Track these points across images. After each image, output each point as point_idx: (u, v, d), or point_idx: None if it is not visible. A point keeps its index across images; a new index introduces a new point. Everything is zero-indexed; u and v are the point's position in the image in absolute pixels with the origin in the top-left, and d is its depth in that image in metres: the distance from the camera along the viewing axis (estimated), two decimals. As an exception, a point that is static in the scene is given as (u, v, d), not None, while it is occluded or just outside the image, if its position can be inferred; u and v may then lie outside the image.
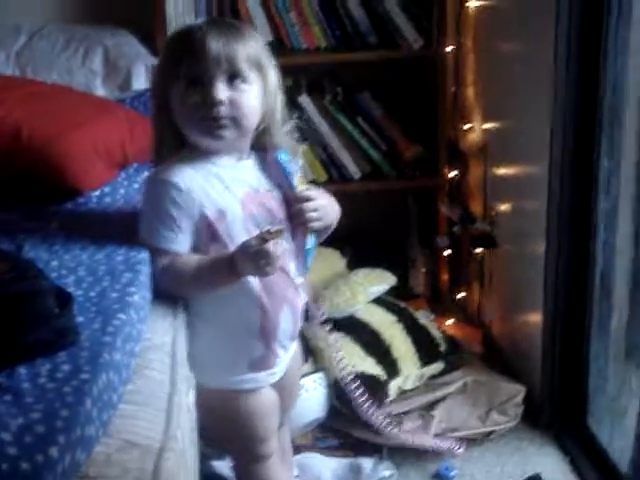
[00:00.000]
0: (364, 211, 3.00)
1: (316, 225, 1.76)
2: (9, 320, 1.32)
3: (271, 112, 1.75)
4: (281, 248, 1.61)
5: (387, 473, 2.25)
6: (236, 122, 1.70)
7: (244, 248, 1.63)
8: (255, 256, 1.60)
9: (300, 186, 1.78)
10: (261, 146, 1.78)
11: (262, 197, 1.76)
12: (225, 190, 1.73)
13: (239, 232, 1.70)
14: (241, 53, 1.69)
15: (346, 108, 2.96)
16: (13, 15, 2.82)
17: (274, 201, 1.76)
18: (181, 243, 1.70)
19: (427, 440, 2.33)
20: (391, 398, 2.41)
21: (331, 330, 2.02)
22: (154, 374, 1.49)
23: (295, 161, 1.81)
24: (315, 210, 1.75)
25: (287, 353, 1.84)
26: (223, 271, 1.67)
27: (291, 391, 1.94)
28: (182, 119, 1.71)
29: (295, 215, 1.76)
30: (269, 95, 1.74)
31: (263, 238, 1.60)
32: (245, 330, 1.77)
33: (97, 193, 2.06)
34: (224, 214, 1.71)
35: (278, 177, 1.78)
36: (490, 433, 2.41)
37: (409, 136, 3.00)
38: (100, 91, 2.54)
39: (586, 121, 2.19)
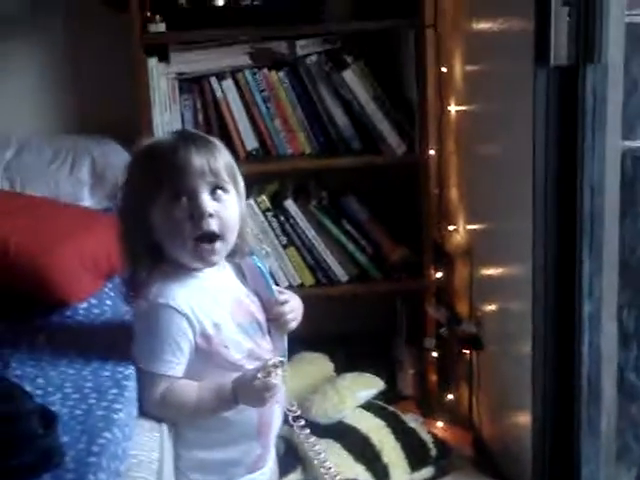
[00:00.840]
0: (351, 314, 3.02)
1: (293, 325, 1.84)
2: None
3: (243, 217, 1.80)
4: (280, 377, 1.65)
5: None
6: (224, 239, 1.73)
7: (247, 381, 1.66)
8: (261, 390, 1.64)
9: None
10: (232, 252, 1.81)
11: (245, 304, 1.80)
12: (214, 303, 1.75)
13: (232, 343, 1.73)
14: (221, 165, 1.73)
15: (331, 212, 3.00)
16: (1, 125, 2.86)
17: (254, 305, 1.81)
18: (181, 367, 1.71)
19: None
20: (382, 506, 2.38)
21: (309, 434, 2.00)
22: (140, 493, 1.48)
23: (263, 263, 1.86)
24: (291, 312, 1.83)
25: (271, 459, 1.87)
26: (224, 400, 1.69)
27: None
28: (167, 236, 1.72)
29: (275, 317, 1.82)
30: (241, 200, 1.79)
31: (268, 371, 1.63)
32: (243, 434, 1.78)
33: (84, 305, 2.08)
34: (219, 328, 1.73)
35: (256, 282, 1.83)
36: (482, 539, 2.38)
37: (395, 238, 3.03)
38: (88, 201, 2.58)
39: (567, 224, 2.21)
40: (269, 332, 1.83)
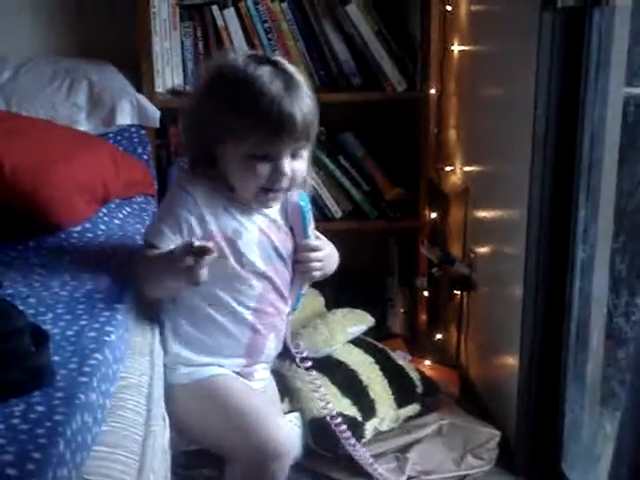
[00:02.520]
0: (344, 250, 2.99)
1: (316, 275, 1.86)
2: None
3: (308, 165, 1.81)
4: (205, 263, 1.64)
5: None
6: (289, 190, 1.78)
7: (176, 255, 1.67)
8: (182, 267, 1.64)
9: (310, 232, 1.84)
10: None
11: (278, 231, 1.82)
12: (238, 224, 1.79)
13: (246, 259, 1.79)
14: (309, 120, 1.72)
15: (328, 147, 2.98)
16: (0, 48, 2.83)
17: (287, 239, 1.83)
18: (170, 244, 1.74)
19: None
20: (367, 439, 2.40)
21: (310, 368, 2.02)
22: (129, 415, 1.50)
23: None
24: (319, 261, 1.83)
25: (264, 372, 1.93)
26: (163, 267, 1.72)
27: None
28: (235, 174, 1.76)
29: (300, 261, 1.84)
30: (311, 147, 1.80)
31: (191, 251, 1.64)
32: (230, 348, 1.85)
33: (78, 229, 2.07)
34: (235, 238, 1.78)
35: (294, 219, 1.84)
36: (465, 477, 2.40)
37: (391, 177, 3.02)
38: (84, 126, 2.55)
39: (565, 169, 2.21)
40: (293, 276, 1.86)
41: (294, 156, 1.73)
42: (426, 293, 3.06)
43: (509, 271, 2.47)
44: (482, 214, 2.69)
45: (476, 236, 2.74)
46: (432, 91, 2.88)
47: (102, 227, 2.10)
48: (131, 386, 1.58)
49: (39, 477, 1.13)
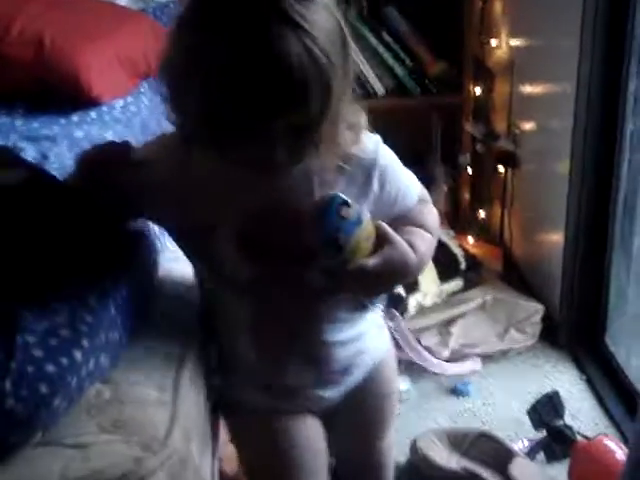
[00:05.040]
0: (387, 128, 2.96)
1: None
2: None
3: None
4: None
5: (404, 388, 2.27)
6: None
7: None
8: None
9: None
10: None
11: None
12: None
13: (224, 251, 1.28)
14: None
15: (371, 22, 2.92)
16: None
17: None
18: None
19: (450, 368, 2.34)
20: (410, 314, 2.42)
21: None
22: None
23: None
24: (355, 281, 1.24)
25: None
26: None
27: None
28: None
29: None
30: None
31: None
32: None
33: (120, 103, 2.06)
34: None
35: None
36: (508, 351, 2.42)
37: (434, 52, 2.96)
38: (123, 0, 2.51)
39: (615, 40, 2.15)
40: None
41: None
42: (469, 170, 3.03)
43: (555, 146, 2.44)
44: (528, 89, 2.63)
45: (521, 111, 2.69)
46: (478, -38, 2.80)
47: (145, 101, 2.08)
48: (178, 258, 1.58)
49: (92, 338, 1.14)
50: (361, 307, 1.38)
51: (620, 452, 1.90)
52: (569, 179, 2.32)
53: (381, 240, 1.22)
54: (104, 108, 2.01)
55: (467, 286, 2.55)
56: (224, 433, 1.54)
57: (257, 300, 1.30)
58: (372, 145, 1.26)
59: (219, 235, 1.23)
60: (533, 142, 2.62)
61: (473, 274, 2.58)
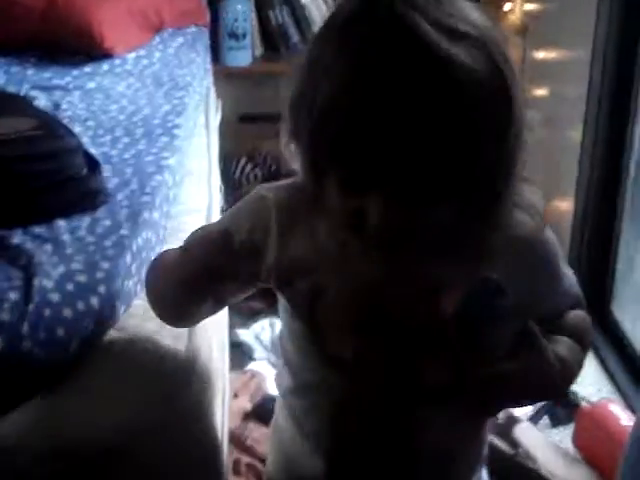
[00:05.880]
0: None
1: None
2: (33, 177, 1.30)
3: None
4: None
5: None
6: None
7: None
8: None
9: None
10: None
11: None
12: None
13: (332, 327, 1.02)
14: None
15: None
16: None
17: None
18: None
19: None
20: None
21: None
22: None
23: None
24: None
25: None
26: None
27: None
28: None
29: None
30: None
31: None
32: None
33: (132, 55, 2.05)
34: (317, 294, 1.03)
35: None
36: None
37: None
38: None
39: (634, 6, 2.12)
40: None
41: None
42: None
43: (568, 113, 2.42)
44: (541, 55, 2.61)
45: (534, 77, 2.66)
46: None
47: (157, 55, 2.07)
48: (190, 211, 1.58)
49: (108, 285, 1.14)
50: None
51: (625, 417, 1.90)
52: (581, 146, 2.30)
53: (525, 342, 1.00)
54: (116, 60, 2.00)
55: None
56: (229, 388, 1.55)
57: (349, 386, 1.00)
58: (535, 225, 1.01)
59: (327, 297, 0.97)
60: (546, 108, 2.60)
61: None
